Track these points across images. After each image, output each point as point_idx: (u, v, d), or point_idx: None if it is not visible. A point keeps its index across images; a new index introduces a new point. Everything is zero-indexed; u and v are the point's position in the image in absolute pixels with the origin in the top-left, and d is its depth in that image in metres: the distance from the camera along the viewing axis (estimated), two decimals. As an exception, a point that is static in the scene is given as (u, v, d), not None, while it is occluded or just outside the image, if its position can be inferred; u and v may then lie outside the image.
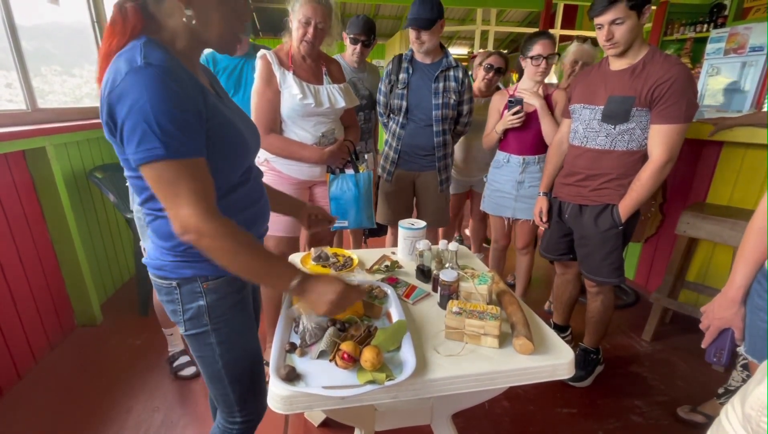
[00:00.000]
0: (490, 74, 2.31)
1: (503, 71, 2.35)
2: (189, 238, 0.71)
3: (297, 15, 1.50)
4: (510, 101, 1.94)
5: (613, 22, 1.38)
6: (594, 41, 1.86)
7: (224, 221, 0.72)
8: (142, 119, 0.65)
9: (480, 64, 2.39)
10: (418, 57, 1.94)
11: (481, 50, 6.36)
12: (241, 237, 0.74)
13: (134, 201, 1.56)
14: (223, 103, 0.85)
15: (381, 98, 2.04)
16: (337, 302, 0.80)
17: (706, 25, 4.25)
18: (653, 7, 1.47)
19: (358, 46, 2.14)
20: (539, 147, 1.98)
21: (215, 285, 0.86)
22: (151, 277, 0.88)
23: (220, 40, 0.79)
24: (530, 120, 1.96)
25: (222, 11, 0.76)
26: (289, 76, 1.54)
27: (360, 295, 0.87)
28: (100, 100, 0.70)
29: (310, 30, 1.49)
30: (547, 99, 1.93)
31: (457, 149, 2.45)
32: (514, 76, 3.60)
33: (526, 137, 1.99)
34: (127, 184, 0.75)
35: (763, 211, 0.91)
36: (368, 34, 2.13)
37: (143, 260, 0.89)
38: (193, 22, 0.74)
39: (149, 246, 0.88)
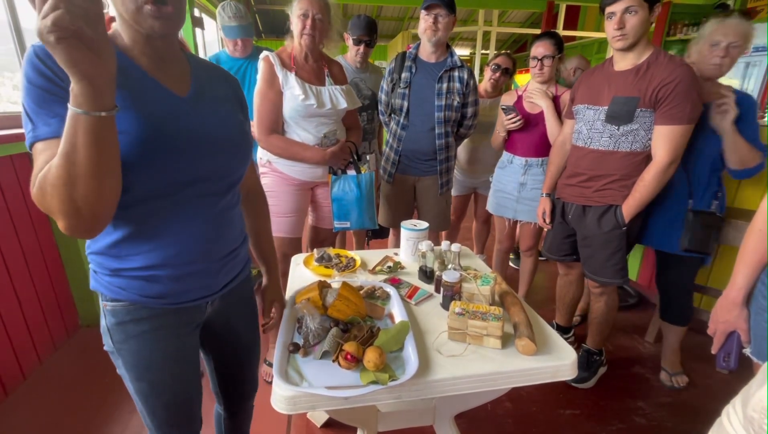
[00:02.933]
0: (497, 74, 2.28)
1: (511, 72, 2.33)
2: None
3: (296, 11, 1.51)
4: (502, 108, 1.99)
5: (626, 11, 1.37)
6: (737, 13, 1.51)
7: (35, 193, 0.62)
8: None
9: (487, 64, 2.38)
10: (423, 55, 1.90)
11: (484, 51, 6.37)
12: (48, 175, 0.59)
13: None
14: (173, 103, 0.73)
15: (382, 97, 2.00)
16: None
17: (709, 26, 4.24)
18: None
19: (362, 47, 2.13)
20: (543, 149, 1.98)
21: (112, 308, 0.78)
22: None
23: (129, 15, 0.67)
24: (536, 121, 1.96)
25: None
26: (292, 77, 1.55)
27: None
28: None
29: (309, 22, 1.50)
30: (556, 100, 1.93)
31: (462, 150, 2.44)
32: (517, 78, 3.60)
33: (531, 138, 1.99)
34: None
35: (764, 212, 0.91)
36: (371, 34, 2.13)
37: None
38: (107, 7, 0.66)
39: None
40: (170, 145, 0.71)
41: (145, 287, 0.76)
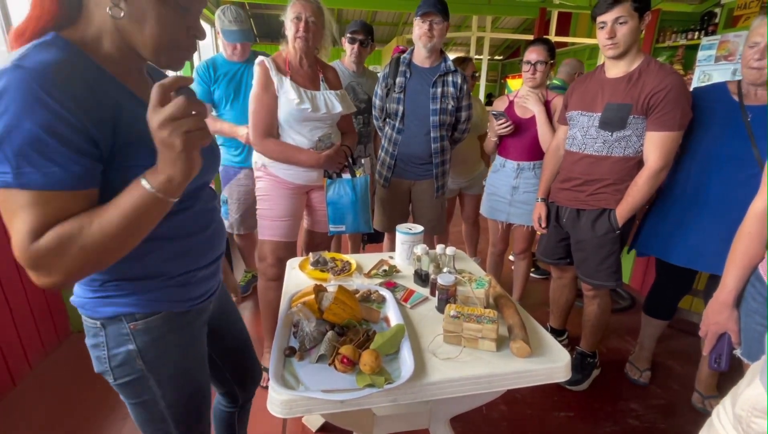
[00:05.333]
0: (474, 81, 2.46)
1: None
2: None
3: (289, 15, 1.53)
4: (493, 114, 2.04)
5: (616, 21, 1.41)
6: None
7: (43, 251, 0.56)
8: None
9: None
10: (417, 60, 1.92)
11: (478, 56, 6.43)
12: (79, 239, 0.56)
13: None
14: None
15: (377, 101, 2.01)
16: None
17: (697, 33, 4.31)
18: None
19: (356, 46, 2.15)
20: (535, 153, 2.01)
21: (146, 325, 0.73)
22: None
23: (154, 47, 0.63)
24: (527, 126, 1.99)
25: (160, 12, 0.61)
26: (287, 81, 1.55)
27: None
28: None
29: (302, 25, 1.51)
30: (546, 105, 1.95)
31: None
32: (510, 83, 3.65)
33: (522, 143, 2.02)
34: None
35: (753, 216, 0.93)
36: (366, 33, 2.16)
37: (71, 299, 0.76)
38: (121, 14, 0.60)
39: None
40: None
41: (181, 292, 0.78)
